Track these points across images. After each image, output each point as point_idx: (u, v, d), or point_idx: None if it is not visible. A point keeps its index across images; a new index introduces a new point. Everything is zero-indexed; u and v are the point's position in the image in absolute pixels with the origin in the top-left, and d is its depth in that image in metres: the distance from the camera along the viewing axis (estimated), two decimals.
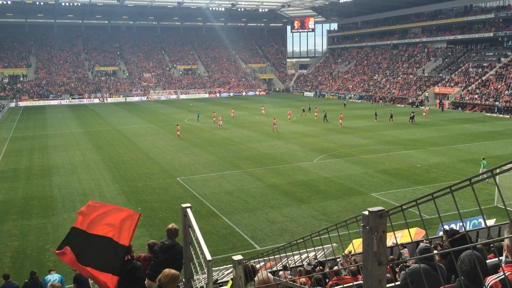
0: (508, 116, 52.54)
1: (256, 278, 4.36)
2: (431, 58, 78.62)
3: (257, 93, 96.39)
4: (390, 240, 13.48)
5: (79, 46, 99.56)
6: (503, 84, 60.10)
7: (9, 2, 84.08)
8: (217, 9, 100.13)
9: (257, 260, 6.29)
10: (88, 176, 27.94)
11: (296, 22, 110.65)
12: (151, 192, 24.20)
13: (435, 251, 5.43)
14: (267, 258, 5.05)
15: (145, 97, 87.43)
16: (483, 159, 25.51)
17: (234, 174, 27.68)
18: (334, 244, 13.24)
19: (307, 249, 7.67)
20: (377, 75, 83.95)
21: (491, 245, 7.53)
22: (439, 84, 69.23)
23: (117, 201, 22.14)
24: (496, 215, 18.29)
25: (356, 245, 13.20)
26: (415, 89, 71.51)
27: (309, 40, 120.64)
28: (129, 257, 5.69)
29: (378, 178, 25.97)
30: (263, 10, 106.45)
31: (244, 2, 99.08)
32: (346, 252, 12.93)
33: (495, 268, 3.69)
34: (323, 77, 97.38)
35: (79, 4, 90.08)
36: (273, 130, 43.16)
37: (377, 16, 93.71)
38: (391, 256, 11.67)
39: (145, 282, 6.01)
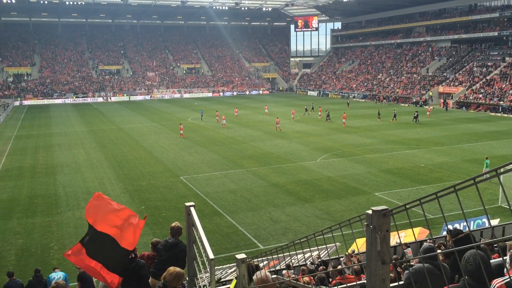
0: None
1: (254, 277, 4.36)
2: (435, 57, 78.34)
3: (261, 92, 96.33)
4: (393, 239, 13.46)
5: (83, 45, 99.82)
6: (507, 83, 59.81)
7: (13, 1, 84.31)
8: (220, 8, 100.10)
9: (261, 259, 6.30)
10: (92, 174, 28.03)
11: (299, 21, 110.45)
12: (154, 191, 24.25)
13: (439, 251, 5.42)
14: (271, 257, 5.06)
15: (149, 96, 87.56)
16: (486, 158, 25.44)
17: (237, 173, 27.70)
18: (338, 243, 13.24)
19: (311, 248, 7.66)
20: (381, 74, 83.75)
21: (495, 245, 7.51)
22: (443, 84, 68.99)
23: (121, 200, 22.20)
24: (500, 215, 18.22)
25: (360, 244, 13.18)
26: (419, 89, 71.29)
27: (313, 39, 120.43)
28: (133, 256, 5.70)
29: (381, 178, 25.92)
30: (267, 9, 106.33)
31: (248, 1, 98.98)
32: (349, 251, 12.93)
33: (499, 268, 3.69)
34: (326, 76, 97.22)
35: (83, 3, 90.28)
36: (276, 129, 43.15)
37: (381, 15, 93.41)
38: (394, 256, 11.64)
39: (149, 280, 6.04)
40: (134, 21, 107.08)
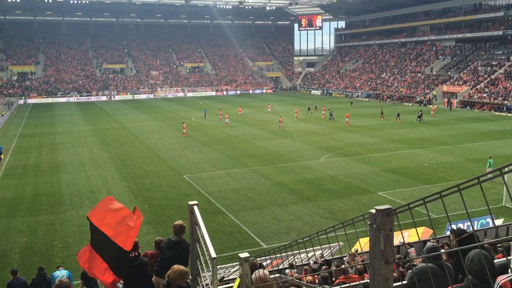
0: None
1: (253, 276, 4.35)
2: (440, 57, 78.05)
3: (264, 91, 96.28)
4: (397, 239, 13.44)
5: (87, 44, 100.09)
6: None
7: (18, 0, 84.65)
8: (224, 7, 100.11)
9: (264, 258, 6.30)
10: (96, 173, 28.11)
11: (303, 20, 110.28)
12: (158, 190, 24.30)
13: (442, 250, 5.41)
14: (274, 256, 5.06)
15: (152, 94, 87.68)
16: (490, 157, 25.36)
17: (240, 172, 27.71)
18: (341, 242, 13.22)
19: (314, 248, 7.66)
20: (384, 74, 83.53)
21: (498, 244, 7.49)
22: (448, 83, 68.76)
23: (124, 198, 22.27)
24: (504, 214, 18.17)
25: (363, 244, 13.16)
26: (423, 88, 71.07)
27: (317, 38, 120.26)
28: (136, 254, 5.71)
29: (385, 177, 25.87)
30: (271, 8, 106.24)
31: (252, 0, 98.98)
32: (352, 250, 12.91)
33: (503, 268, 3.68)
34: (330, 75, 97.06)
35: (87, 2, 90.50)
36: (279, 128, 43.14)
37: (385, 14, 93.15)
38: (397, 255, 11.62)
39: (153, 279, 6.05)
40: (138, 20, 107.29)
